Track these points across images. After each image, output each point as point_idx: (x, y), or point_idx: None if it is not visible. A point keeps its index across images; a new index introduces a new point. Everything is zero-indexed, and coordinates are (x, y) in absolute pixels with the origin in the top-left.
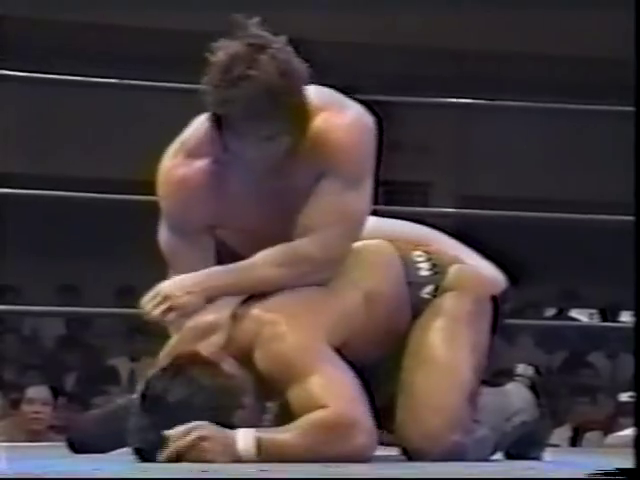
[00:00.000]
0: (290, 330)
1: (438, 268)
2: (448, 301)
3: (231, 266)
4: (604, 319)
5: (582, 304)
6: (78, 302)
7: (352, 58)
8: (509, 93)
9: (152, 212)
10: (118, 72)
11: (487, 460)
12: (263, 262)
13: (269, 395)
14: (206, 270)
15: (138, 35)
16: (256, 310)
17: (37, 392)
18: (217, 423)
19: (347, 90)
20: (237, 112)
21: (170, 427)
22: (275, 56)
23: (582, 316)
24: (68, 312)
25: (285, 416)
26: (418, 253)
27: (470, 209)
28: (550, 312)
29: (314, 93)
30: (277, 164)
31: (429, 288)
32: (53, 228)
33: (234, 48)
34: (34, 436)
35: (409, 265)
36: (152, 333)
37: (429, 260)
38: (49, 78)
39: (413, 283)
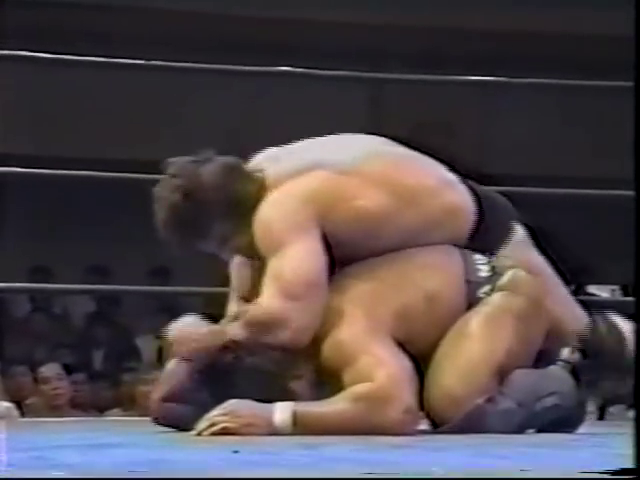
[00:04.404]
0: (353, 320)
1: (497, 270)
2: (499, 296)
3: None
4: (626, 295)
5: (603, 280)
6: (108, 282)
7: (378, 38)
8: (533, 72)
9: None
10: (120, 52)
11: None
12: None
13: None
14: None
15: (139, 15)
16: (331, 305)
17: (49, 369)
18: (274, 387)
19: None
20: (176, 248)
21: (223, 394)
22: (177, 185)
23: (603, 292)
24: (98, 290)
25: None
26: (479, 256)
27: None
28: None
29: (279, 168)
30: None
31: (486, 288)
32: (82, 209)
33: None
34: (57, 411)
35: (469, 265)
36: (180, 312)
37: (489, 263)
38: (52, 58)
39: (472, 282)
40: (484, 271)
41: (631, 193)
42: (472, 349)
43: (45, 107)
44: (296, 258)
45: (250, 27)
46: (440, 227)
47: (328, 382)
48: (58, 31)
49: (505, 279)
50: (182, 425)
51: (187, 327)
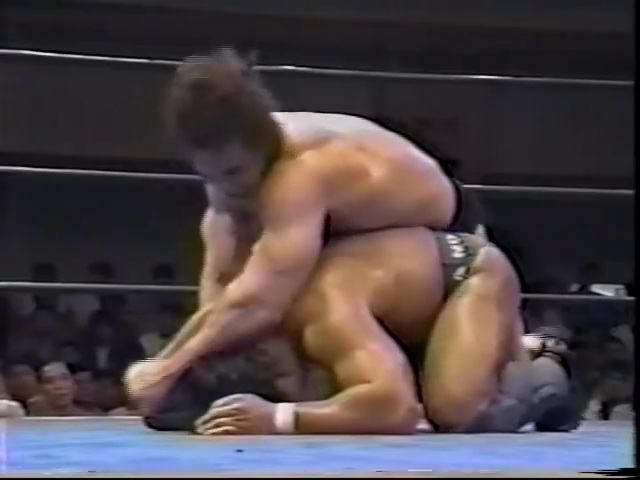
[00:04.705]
0: (338, 304)
1: (470, 250)
2: (477, 281)
3: (176, 342)
4: (630, 294)
5: (607, 279)
6: (112, 280)
7: (380, 36)
8: (536, 70)
9: (185, 191)
10: (120, 51)
11: (515, 431)
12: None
13: (315, 368)
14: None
15: (140, 14)
16: (311, 284)
17: (54, 369)
18: (261, 395)
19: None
20: (190, 152)
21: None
22: (218, 94)
23: (605, 291)
24: (102, 289)
25: (330, 390)
26: (451, 236)
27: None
28: (574, 288)
29: (297, 130)
30: (252, 196)
31: (461, 270)
32: (86, 208)
33: (180, 93)
34: (61, 411)
35: (443, 247)
36: (183, 310)
37: (462, 243)
38: (50, 57)
39: (447, 265)
40: (458, 252)
41: (632, 192)
42: (467, 349)
43: (46, 105)
44: (292, 238)
45: (250, 25)
46: (426, 212)
47: (316, 368)
48: (57, 30)
49: (479, 260)
50: (178, 428)
51: (143, 369)
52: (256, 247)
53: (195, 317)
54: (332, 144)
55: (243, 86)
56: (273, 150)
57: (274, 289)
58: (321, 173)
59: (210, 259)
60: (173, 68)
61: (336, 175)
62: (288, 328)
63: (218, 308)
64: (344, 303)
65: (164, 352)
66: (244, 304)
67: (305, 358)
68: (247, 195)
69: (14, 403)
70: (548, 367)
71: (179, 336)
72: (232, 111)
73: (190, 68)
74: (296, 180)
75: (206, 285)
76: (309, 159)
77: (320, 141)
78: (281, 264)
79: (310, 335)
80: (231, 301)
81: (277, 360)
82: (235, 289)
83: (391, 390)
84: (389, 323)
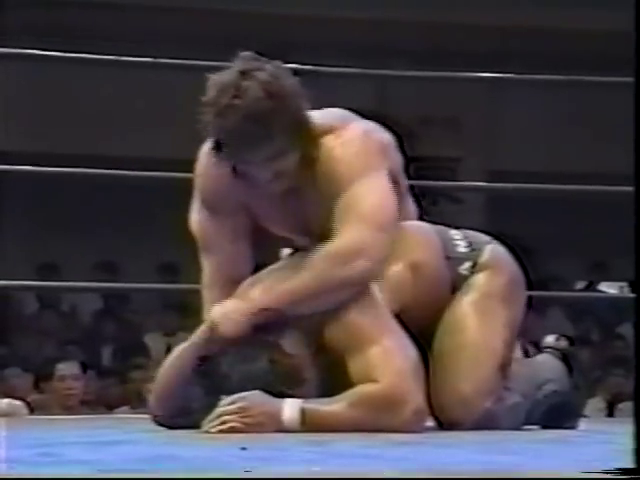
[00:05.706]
0: (356, 299)
1: (475, 246)
2: (483, 278)
3: (268, 283)
4: (634, 291)
5: (612, 277)
6: (116, 279)
7: (380, 34)
8: (538, 68)
9: (189, 189)
10: (119, 50)
11: (520, 429)
12: (308, 266)
13: (331, 367)
14: (248, 293)
15: (146, 13)
16: None
17: (67, 368)
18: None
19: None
20: (231, 141)
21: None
22: (260, 79)
23: (611, 289)
24: (106, 288)
25: (339, 387)
26: (455, 232)
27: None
28: (580, 285)
29: (323, 116)
30: (289, 179)
31: (467, 264)
32: (90, 206)
33: (221, 79)
34: (68, 411)
35: (447, 241)
36: (187, 309)
37: (466, 238)
38: (51, 55)
39: (452, 258)
40: (462, 246)
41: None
42: (473, 347)
43: (48, 104)
44: (378, 191)
45: (254, 24)
46: (402, 183)
47: (331, 359)
48: (58, 29)
49: (485, 256)
50: (187, 427)
51: (226, 308)
52: (342, 208)
53: (277, 264)
54: (356, 125)
55: (282, 74)
56: (308, 136)
57: (373, 243)
58: (371, 139)
59: (211, 267)
60: (174, 67)
61: (381, 146)
62: (310, 325)
63: (315, 257)
64: (363, 295)
65: (239, 292)
66: (345, 254)
67: (324, 352)
68: (282, 177)
69: (18, 402)
70: (550, 364)
71: (260, 276)
72: (276, 96)
73: (236, 62)
74: (355, 144)
75: (211, 294)
76: (352, 132)
77: (345, 122)
78: (375, 218)
79: (331, 328)
80: (331, 250)
81: (299, 367)
82: (332, 244)
83: (398, 390)
84: (405, 317)
